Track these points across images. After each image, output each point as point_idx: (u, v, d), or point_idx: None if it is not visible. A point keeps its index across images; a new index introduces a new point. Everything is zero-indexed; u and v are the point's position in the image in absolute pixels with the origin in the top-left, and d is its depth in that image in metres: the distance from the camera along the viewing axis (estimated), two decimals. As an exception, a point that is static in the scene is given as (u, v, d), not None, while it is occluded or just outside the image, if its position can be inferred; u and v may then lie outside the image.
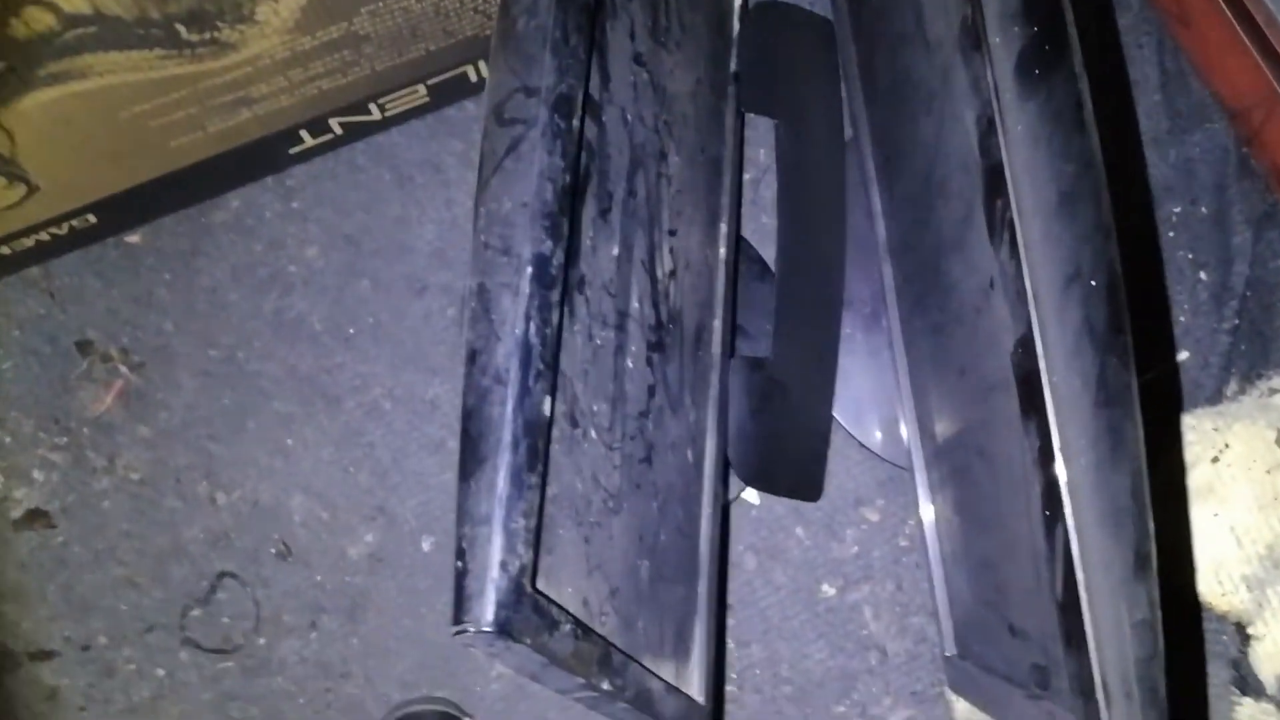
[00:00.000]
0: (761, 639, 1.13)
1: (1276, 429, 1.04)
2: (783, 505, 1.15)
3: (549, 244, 0.61)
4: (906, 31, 0.83)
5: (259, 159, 1.17)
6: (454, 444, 1.14)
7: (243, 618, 1.13)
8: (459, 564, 0.55)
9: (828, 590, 1.14)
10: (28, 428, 1.17)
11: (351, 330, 1.19)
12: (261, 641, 1.13)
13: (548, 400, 0.59)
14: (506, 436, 0.57)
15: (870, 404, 1.14)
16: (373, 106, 1.16)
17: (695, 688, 0.88)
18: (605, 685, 0.67)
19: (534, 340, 0.59)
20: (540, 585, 0.58)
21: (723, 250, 1.02)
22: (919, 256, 0.91)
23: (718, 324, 0.99)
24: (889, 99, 0.94)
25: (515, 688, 1.11)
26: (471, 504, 0.56)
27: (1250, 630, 1.04)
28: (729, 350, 1.01)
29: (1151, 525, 0.59)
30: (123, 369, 1.18)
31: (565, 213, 0.62)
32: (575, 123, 0.64)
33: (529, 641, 0.56)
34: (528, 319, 0.59)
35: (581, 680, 0.64)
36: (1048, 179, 0.61)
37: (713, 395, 0.97)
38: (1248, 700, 1.03)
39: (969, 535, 0.88)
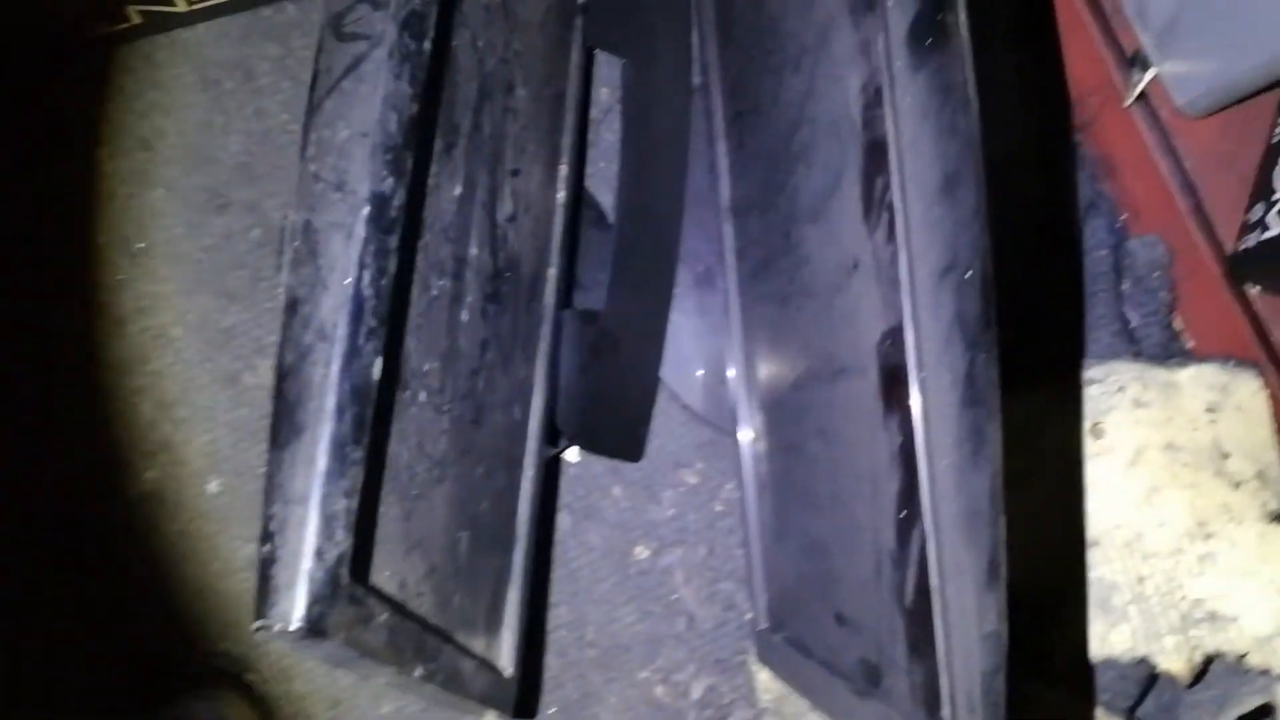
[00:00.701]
0: (570, 601, 1.09)
1: (1091, 420, 1.06)
2: (601, 464, 1.10)
3: (390, 181, 0.53)
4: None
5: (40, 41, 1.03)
6: (250, 378, 1.05)
7: None
8: (265, 548, 0.48)
9: (641, 553, 1.10)
10: None
11: (141, 244, 1.07)
12: (18, 582, 1.02)
13: (378, 362, 0.52)
14: (330, 403, 0.50)
15: (696, 365, 1.11)
16: (179, -4, 1.04)
17: (505, 658, 0.83)
18: (417, 672, 0.61)
19: (367, 292, 0.52)
20: (357, 574, 0.52)
21: (561, 194, 0.95)
22: (767, 221, 0.87)
23: (553, 273, 0.93)
24: (748, 49, 0.89)
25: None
26: (284, 478, 0.49)
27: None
28: (563, 301, 0.95)
29: (1005, 531, 0.57)
30: None
31: (410, 146, 0.55)
32: (426, 44, 0.57)
33: (341, 637, 0.50)
34: (361, 266, 0.52)
35: (394, 669, 0.58)
36: (931, 159, 0.58)
37: (543, 349, 0.91)
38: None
39: (796, 513, 0.85)
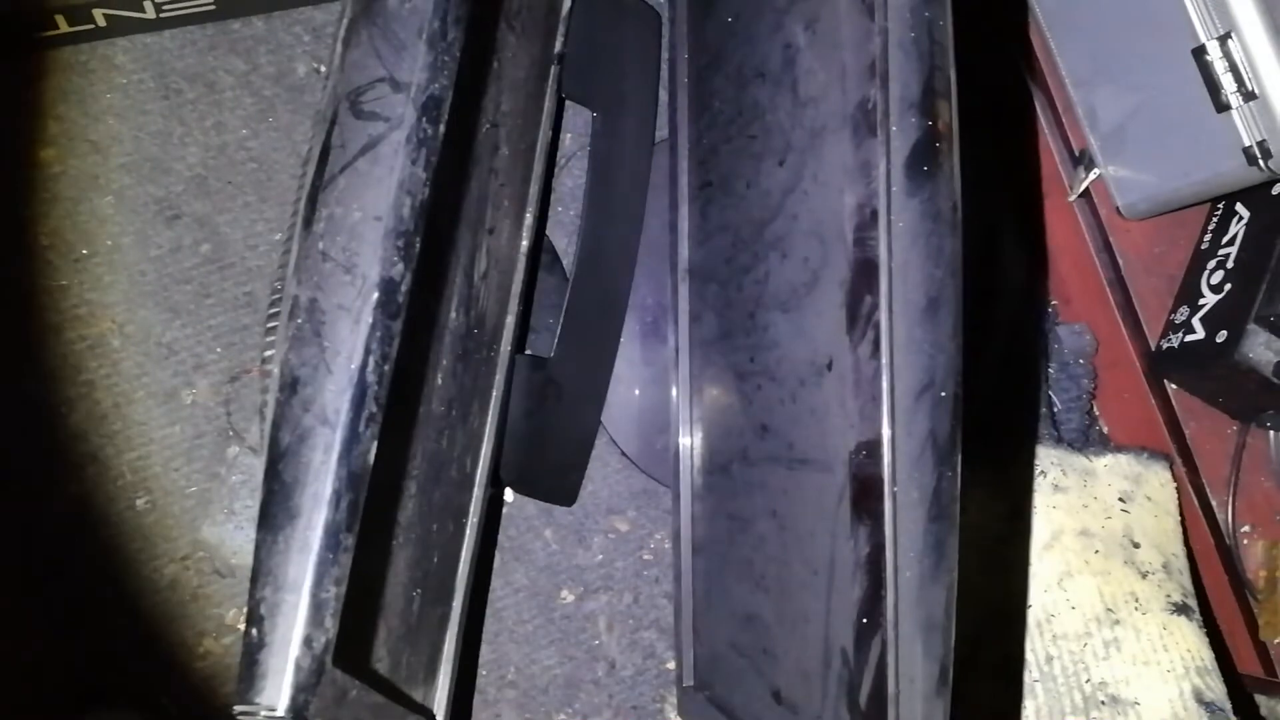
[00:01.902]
0: (492, 640, 1.09)
1: (1010, 502, 1.10)
2: (535, 506, 1.11)
3: (400, 268, 0.54)
4: (768, 70, 0.80)
5: (-2, 35, 1.00)
6: (187, 396, 1.04)
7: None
8: (253, 632, 0.49)
9: (566, 597, 1.11)
10: None
11: (84, 251, 1.05)
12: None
13: (374, 448, 0.53)
14: (327, 490, 0.50)
15: (636, 414, 1.12)
16: (148, 2, 1.02)
17: (440, 704, 0.84)
18: (371, 736, 0.61)
19: (370, 378, 0.52)
20: (339, 658, 0.52)
21: (525, 242, 0.96)
22: (729, 296, 0.89)
23: (510, 320, 0.94)
24: (725, 126, 0.91)
25: (223, 669, 1.03)
26: (276, 563, 0.49)
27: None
28: (518, 347, 0.96)
29: (953, 638, 0.60)
30: None
31: (420, 232, 0.55)
32: (442, 128, 0.57)
33: (319, 718, 0.50)
34: (367, 353, 0.52)
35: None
36: (918, 282, 0.60)
37: (496, 397, 0.91)
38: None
39: (734, 582, 0.87)
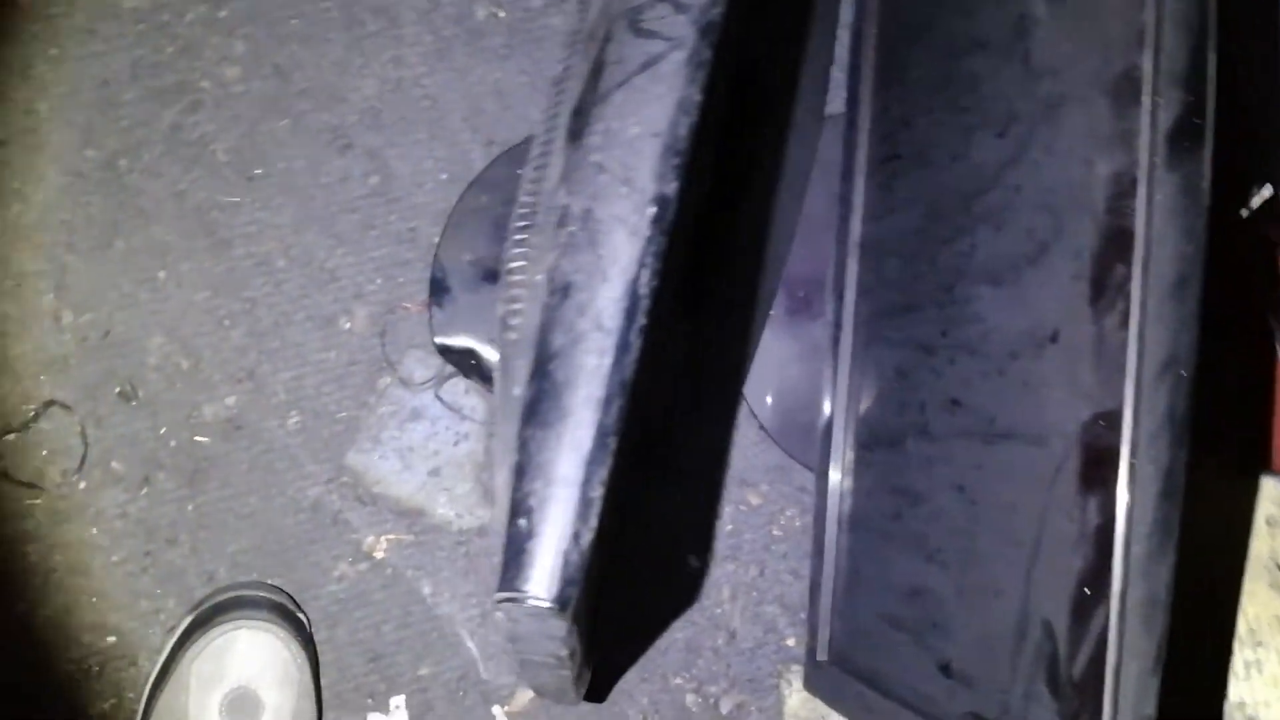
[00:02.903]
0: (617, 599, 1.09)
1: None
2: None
3: (674, 185, 0.54)
4: (990, 40, 0.79)
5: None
6: (345, 323, 1.05)
7: (65, 455, 1.00)
8: (521, 523, 0.49)
9: (693, 562, 1.11)
10: None
11: (258, 170, 1.06)
12: (81, 485, 1.00)
13: (639, 358, 0.53)
14: (600, 393, 0.50)
15: (777, 389, 1.12)
16: (345, -69, 1.03)
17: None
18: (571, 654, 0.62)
19: (643, 291, 0.52)
20: (590, 560, 0.52)
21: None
22: (915, 269, 0.88)
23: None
24: (922, 98, 0.91)
25: (355, 595, 1.04)
26: (548, 459, 0.49)
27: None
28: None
29: (1169, 618, 0.60)
30: (-22, 142, 1.01)
31: (690, 153, 0.55)
32: (713, 53, 0.57)
33: (570, 618, 0.51)
34: (641, 266, 0.52)
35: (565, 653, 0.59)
36: (1170, 257, 0.59)
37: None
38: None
39: (897, 558, 0.87)
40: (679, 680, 1.10)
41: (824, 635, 0.97)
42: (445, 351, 1.04)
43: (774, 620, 1.12)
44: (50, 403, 1.00)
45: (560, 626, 0.51)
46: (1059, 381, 0.66)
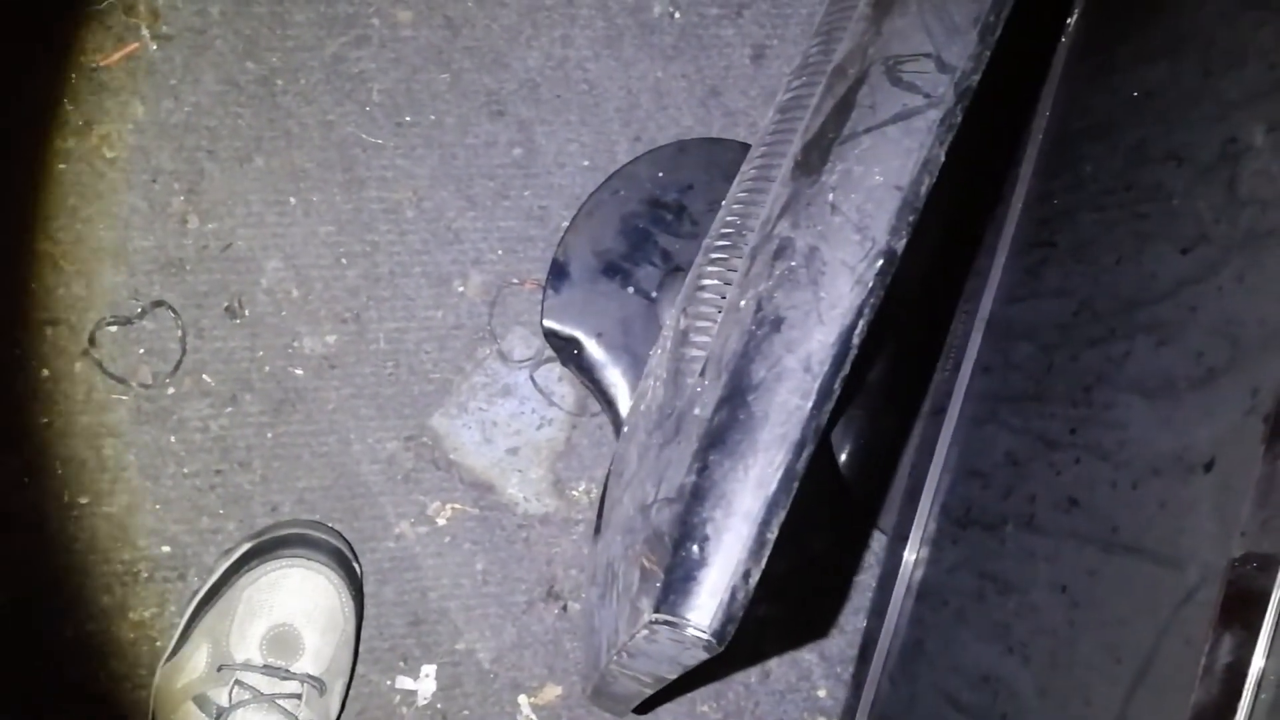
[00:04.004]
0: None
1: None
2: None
3: (902, 243, 0.53)
4: (1190, 156, 0.78)
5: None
6: (458, 286, 1.05)
7: (160, 357, 1.00)
8: (694, 549, 0.48)
9: (745, 595, 1.10)
10: (6, 40, 0.99)
11: (408, 117, 1.05)
12: (170, 391, 1.00)
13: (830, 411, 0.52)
14: (796, 435, 0.49)
15: (856, 444, 1.11)
16: (547, -97, 1.03)
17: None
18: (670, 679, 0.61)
19: (854, 341, 0.51)
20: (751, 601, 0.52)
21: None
22: (1050, 359, 0.87)
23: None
24: (1093, 193, 0.89)
25: (410, 555, 1.03)
26: (733, 489, 0.49)
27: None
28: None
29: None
30: (145, 31, 1.01)
31: (920, 213, 0.55)
32: (960, 119, 0.56)
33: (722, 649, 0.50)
34: (859, 315, 0.51)
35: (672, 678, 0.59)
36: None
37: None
38: None
39: (971, 641, 0.86)
40: (705, 708, 1.09)
41: (869, 695, 0.96)
42: (550, 335, 1.03)
43: (810, 669, 1.11)
44: (159, 303, 0.99)
45: (700, 658, 0.51)
46: (1207, 510, 0.65)
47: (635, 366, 1.00)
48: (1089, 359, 0.82)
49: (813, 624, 1.11)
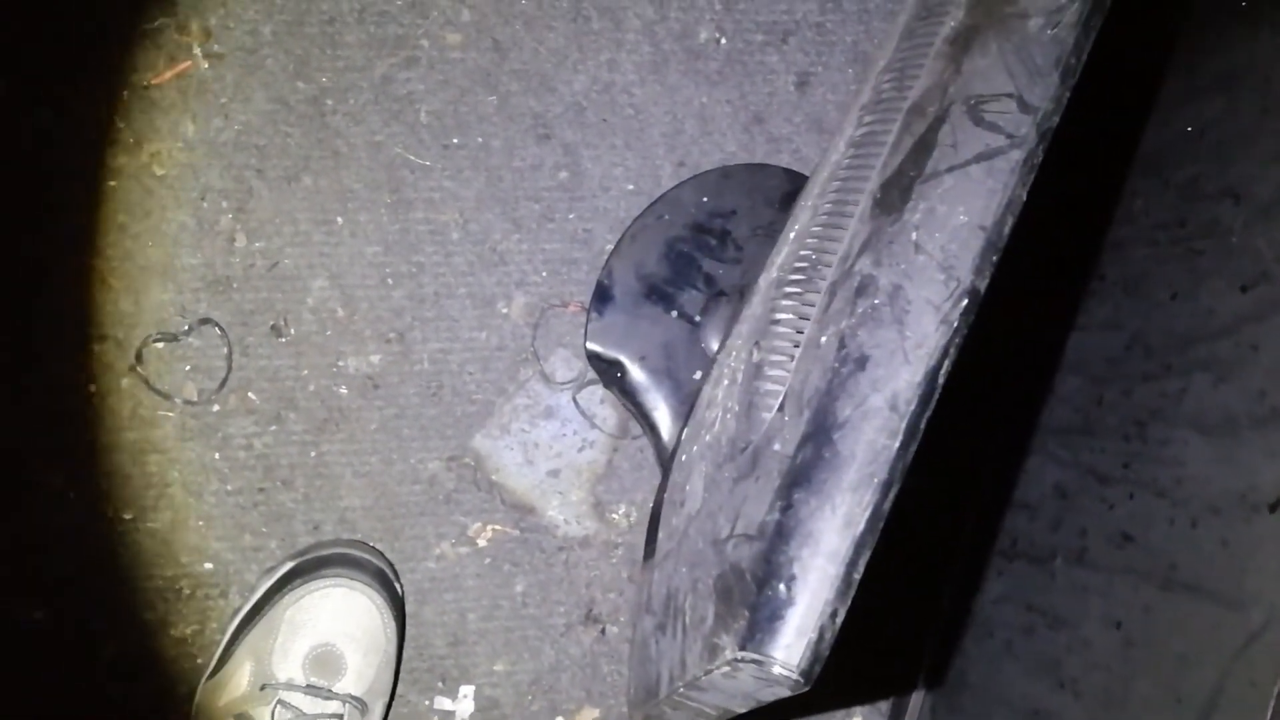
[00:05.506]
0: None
1: None
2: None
3: (985, 283, 0.53)
4: (1248, 195, 0.79)
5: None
6: (503, 307, 1.05)
7: (206, 375, 1.00)
8: (780, 588, 0.48)
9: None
10: (60, 57, 0.99)
11: (455, 139, 1.06)
12: (215, 408, 1.00)
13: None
14: (883, 475, 0.50)
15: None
16: (599, -71, 1.03)
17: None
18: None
19: (939, 381, 0.52)
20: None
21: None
22: (1102, 393, 0.87)
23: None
24: (1148, 227, 0.90)
25: (450, 576, 1.03)
26: (821, 529, 0.49)
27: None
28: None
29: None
30: (197, 50, 1.01)
31: (1002, 253, 0.55)
32: (1040, 159, 0.57)
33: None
34: (944, 354, 0.51)
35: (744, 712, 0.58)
36: None
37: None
38: None
39: (1018, 676, 0.86)
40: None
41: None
42: (593, 358, 1.03)
43: (847, 689, 1.11)
44: (205, 320, 1.00)
45: (782, 695, 0.51)
46: (1273, 551, 0.65)
47: (677, 390, 1.01)
48: (1142, 394, 0.82)
49: (849, 642, 1.11)
